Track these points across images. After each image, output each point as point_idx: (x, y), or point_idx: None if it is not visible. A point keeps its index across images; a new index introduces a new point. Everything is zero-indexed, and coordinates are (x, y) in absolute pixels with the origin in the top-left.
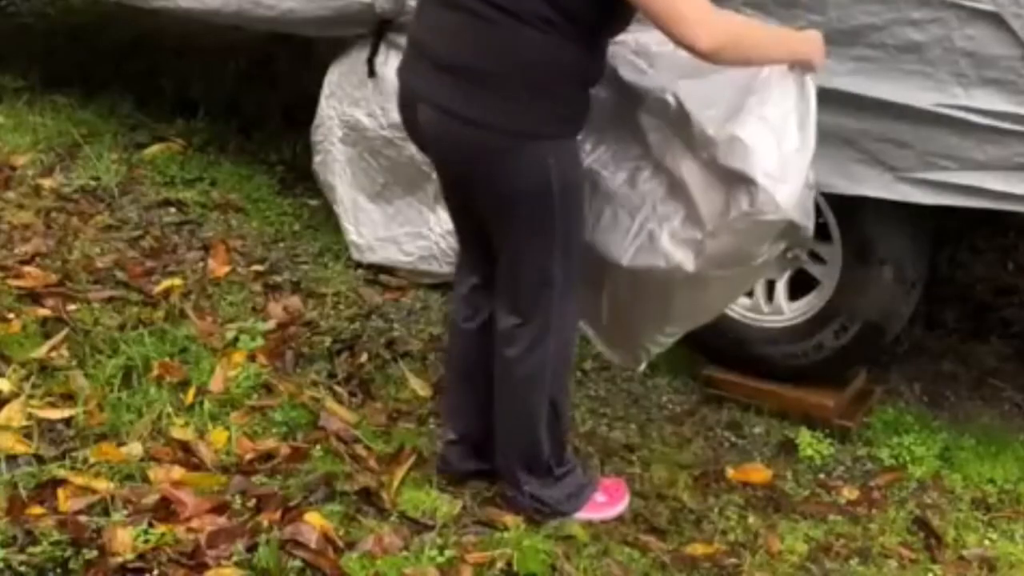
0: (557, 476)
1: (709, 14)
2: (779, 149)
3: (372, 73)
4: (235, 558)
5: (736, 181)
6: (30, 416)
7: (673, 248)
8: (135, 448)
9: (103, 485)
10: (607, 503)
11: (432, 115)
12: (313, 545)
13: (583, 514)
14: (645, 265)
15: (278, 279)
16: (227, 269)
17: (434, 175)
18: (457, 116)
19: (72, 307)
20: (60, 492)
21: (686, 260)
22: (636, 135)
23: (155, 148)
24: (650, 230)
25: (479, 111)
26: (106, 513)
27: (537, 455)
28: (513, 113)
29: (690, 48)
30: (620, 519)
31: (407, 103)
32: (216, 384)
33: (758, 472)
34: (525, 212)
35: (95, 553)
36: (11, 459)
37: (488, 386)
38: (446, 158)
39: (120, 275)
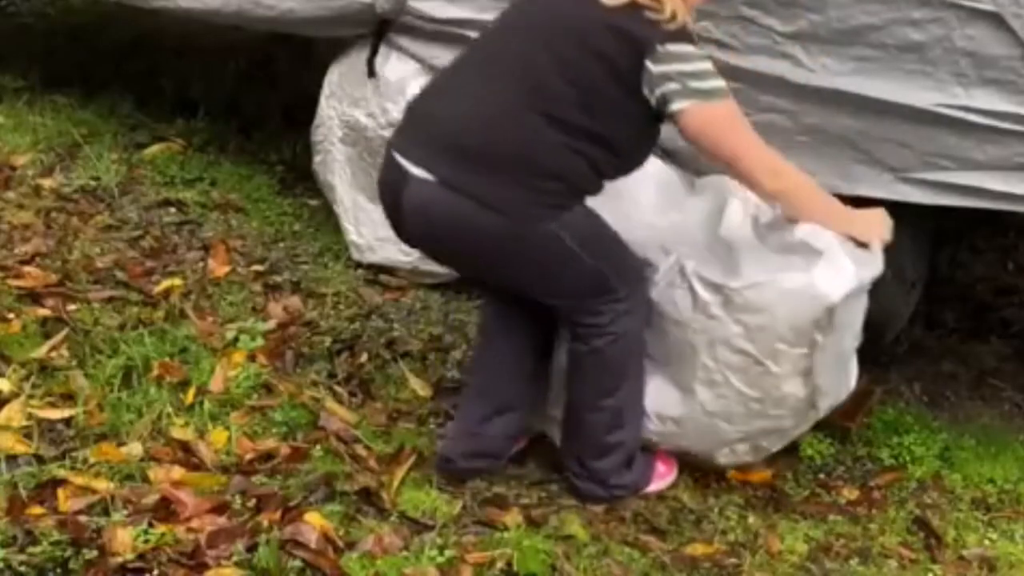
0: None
1: (775, 160)
2: (852, 257)
3: (372, 74)
4: (235, 558)
5: (799, 250)
6: (30, 416)
7: (703, 290)
8: (135, 448)
9: (103, 485)
10: (666, 471)
11: (435, 192)
12: (313, 545)
13: (651, 487)
14: (669, 299)
15: (278, 279)
16: (227, 269)
17: None
18: (471, 196)
19: (72, 307)
20: (60, 492)
21: (714, 303)
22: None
23: (155, 148)
24: (682, 266)
25: (493, 194)
26: (106, 513)
27: (622, 436)
28: (522, 200)
29: (754, 187)
30: (620, 519)
31: (396, 181)
32: (216, 384)
33: (758, 472)
34: (558, 279)
35: (95, 553)
36: (11, 459)
37: (519, 384)
38: (442, 235)
39: (120, 275)
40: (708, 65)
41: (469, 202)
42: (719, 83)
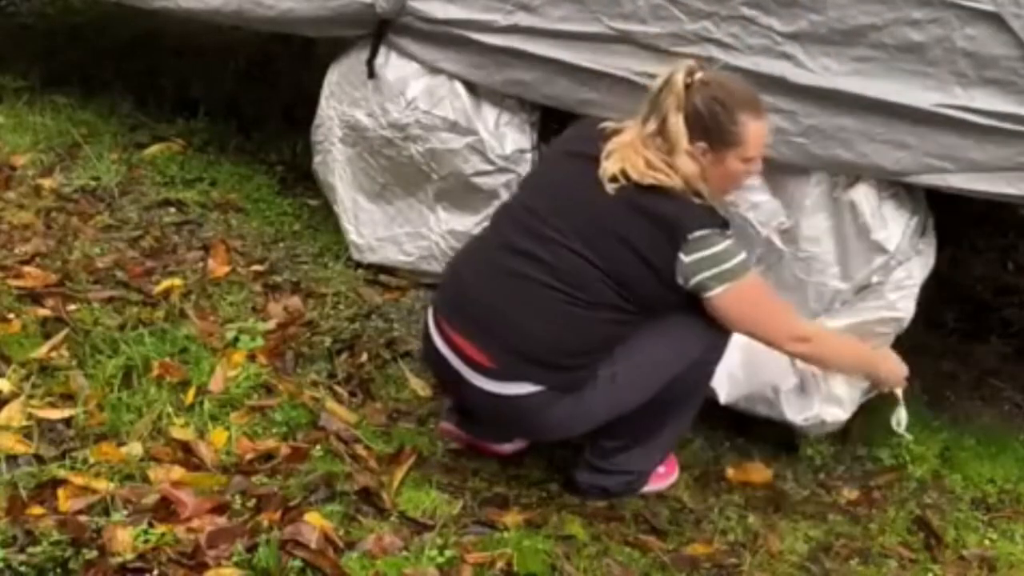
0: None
1: (797, 326)
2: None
3: (372, 74)
4: (235, 558)
5: (877, 250)
6: (30, 416)
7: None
8: (135, 448)
9: (103, 485)
10: (666, 473)
11: (498, 401)
12: (313, 545)
13: (650, 486)
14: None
15: (278, 279)
16: (227, 269)
17: (434, 175)
18: (531, 388)
19: (72, 307)
20: (60, 492)
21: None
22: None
23: (155, 148)
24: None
25: (550, 381)
26: (106, 513)
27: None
28: (580, 376)
29: (780, 350)
30: (620, 519)
31: (455, 382)
32: (216, 384)
33: (758, 472)
34: (648, 390)
35: (95, 553)
36: (11, 459)
37: None
38: (513, 424)
39: (120, 275)
40: (730, 240)
41: (532, 397)
42: (742, 255)
